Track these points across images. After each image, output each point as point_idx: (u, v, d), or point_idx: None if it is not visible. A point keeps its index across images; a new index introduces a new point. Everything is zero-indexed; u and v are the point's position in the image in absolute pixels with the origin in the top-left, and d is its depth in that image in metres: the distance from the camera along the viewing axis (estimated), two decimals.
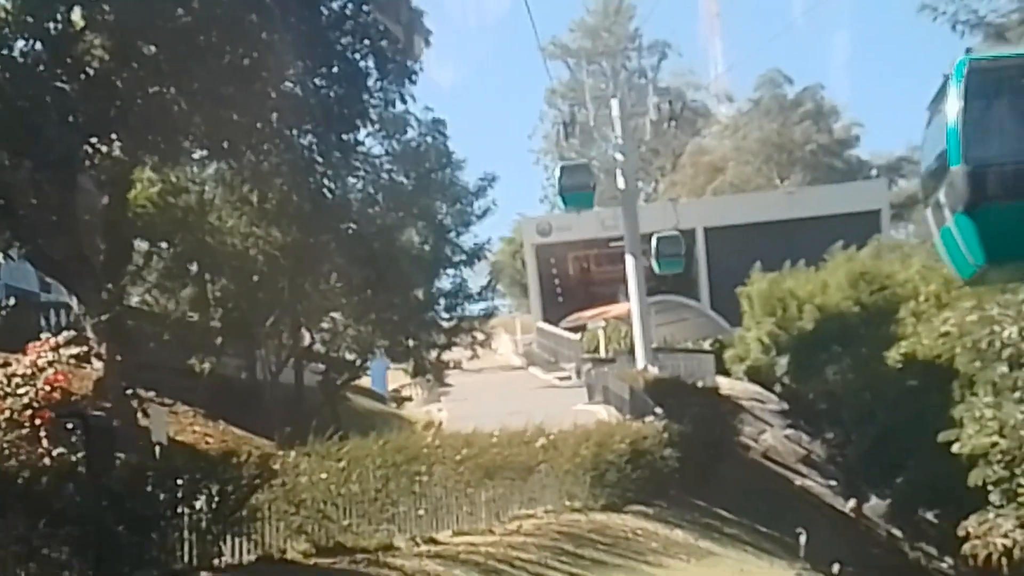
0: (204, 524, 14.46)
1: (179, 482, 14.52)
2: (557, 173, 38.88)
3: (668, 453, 25.66)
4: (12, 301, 25.78)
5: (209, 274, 31.31)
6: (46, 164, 24.80)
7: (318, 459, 16.08)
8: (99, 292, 25.70)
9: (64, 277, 26.41)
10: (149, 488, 13.99)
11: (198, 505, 14.58)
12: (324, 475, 15.87)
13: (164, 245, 31.20)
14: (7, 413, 21.31)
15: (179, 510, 14.53)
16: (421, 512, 17.66)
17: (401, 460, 17.39)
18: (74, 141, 24.02)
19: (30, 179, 25.20)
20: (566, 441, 22.10)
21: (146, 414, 26.00)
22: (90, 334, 25.63)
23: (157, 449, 18.51)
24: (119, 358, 25.71)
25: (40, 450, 21.49)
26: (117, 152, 24.98)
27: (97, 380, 25.85)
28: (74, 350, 24.11)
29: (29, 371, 22.70)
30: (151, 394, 27.60)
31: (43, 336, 24.29)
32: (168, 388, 29.42)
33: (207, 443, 28.56)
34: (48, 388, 22.64)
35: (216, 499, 14.50)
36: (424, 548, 17.04)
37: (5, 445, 20.99)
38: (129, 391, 25.19)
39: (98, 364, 25.80)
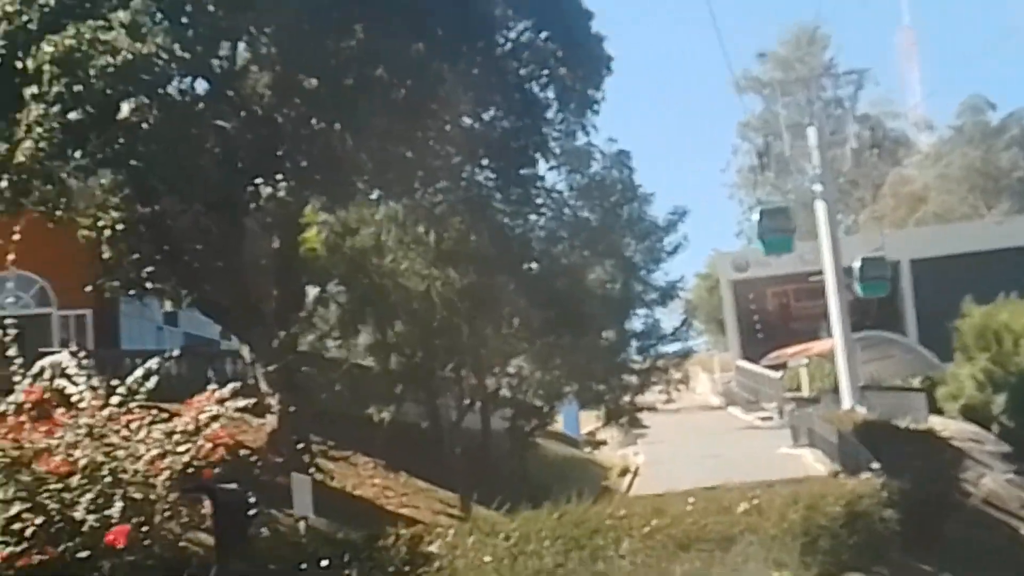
0: None
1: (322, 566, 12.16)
2: (757, 216, 36.04)
3: (888, 515, 22.38)
4: (176, 351, 24.11)
5: (385, 318, 29.20)
6: (210, 207, 23.34)
7: (481, 536, 13.54)
8: (270, 339, 23.92)
9: (233, 324, 24.75)
10: None
11: None
12: (488, 557, 13.31)
13: (337, 289, 29.33)
14: (167, 473, 19.48)
15: None
16: None
17: (580, 534, 14.77)
18: (237, 183, 22.40)
19: (194, 224, 23.72)
20: (771, 504, 19.08)
21: (319, 469, 24.05)
22: (261, 384, 23.83)
23: (302, 525, 16.21)
24: (292, 409, 23.79)
25: (202, 511, 19.58)
26: (283, 193, 23.26)
27: (271, 433, 23.97)
28: (241, 403, 22.30)
29: (191, 426, 20.89)
30: (325, 447, 25.66)
31: (210, 387, 22.55)
32: (345, 439, 27.45)
33: (386, 497, 26.45)
34: (211, 445, 20.78)
35: None
36: None
37: (166, 507, 19.14)
38: (301, 444, 23.18)
39: (271, 416, 24.00)
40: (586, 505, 15.91)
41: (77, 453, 19.37)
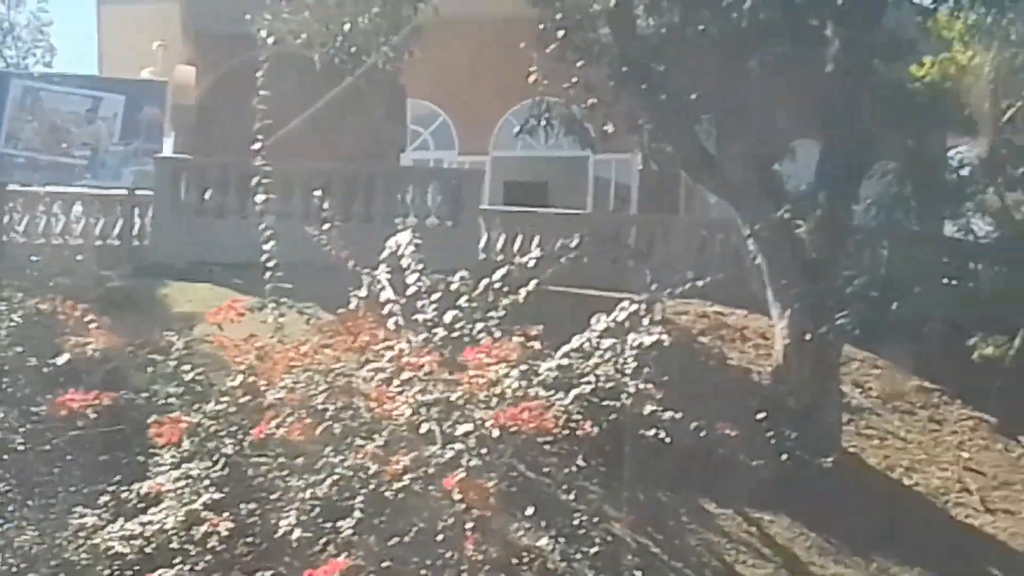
0: None
1: None
2: None
3: None
4: (576, 240, 14.36)
5: None
6: None
7: None
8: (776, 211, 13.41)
9: (724, 188, 14.36)
10: None
11: None
12: None
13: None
14: (409, 477, 10.13)
15: None
16: None
17: None
18: None
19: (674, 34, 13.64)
20: None
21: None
22: (768, 291, 13.57)
23: None
24: (806, 336, 13.21)
25: None
26: None
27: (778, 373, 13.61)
28: (648, 338, 12.19)
29: (475, 391, 11.17)
30: None
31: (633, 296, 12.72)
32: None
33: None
34: (500, 429, 11.01)
35: None
36: None
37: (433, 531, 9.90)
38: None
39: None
40: None
41: (317, 412, 10.90)
